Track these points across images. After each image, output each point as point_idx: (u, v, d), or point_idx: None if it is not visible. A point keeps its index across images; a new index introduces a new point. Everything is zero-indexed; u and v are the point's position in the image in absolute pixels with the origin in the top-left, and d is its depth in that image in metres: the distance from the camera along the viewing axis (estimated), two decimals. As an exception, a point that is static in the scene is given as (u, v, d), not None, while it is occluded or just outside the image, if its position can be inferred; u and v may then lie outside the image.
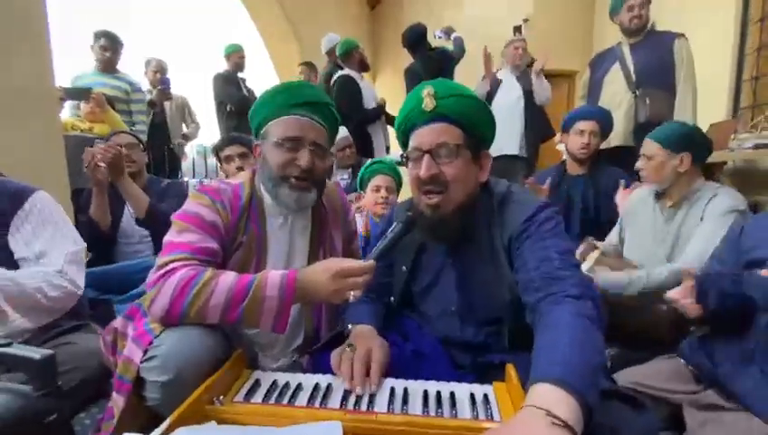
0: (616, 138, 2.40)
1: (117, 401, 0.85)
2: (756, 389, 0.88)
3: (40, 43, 2.01)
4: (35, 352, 0.62)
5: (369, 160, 2.16)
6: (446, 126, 0.92)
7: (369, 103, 3.25)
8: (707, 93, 2.32)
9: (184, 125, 3.98)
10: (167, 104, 3.63)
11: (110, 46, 2.80)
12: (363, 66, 3.34)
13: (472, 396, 0.77)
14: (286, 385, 0.81)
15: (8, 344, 0.64)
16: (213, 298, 0.84)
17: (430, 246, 1.06)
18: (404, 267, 1.08)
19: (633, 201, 1.73)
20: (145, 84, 3.50)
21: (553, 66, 4.56)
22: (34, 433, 0.58)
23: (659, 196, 1.59)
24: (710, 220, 1.39)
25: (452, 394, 0.77)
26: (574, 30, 4.87)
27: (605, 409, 0.65)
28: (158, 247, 1.90)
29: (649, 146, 1.53)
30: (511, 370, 0.80)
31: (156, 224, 1.82)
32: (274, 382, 0.82)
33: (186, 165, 4.32)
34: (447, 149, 0.91)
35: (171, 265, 0.88)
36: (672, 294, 1.05)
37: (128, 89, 2.89)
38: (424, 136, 0.93)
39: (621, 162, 2.19)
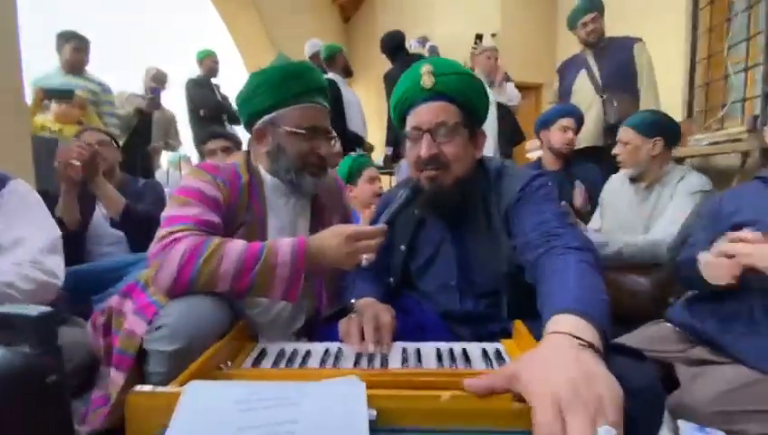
0: (586, 139, 2.53)
1: (115, 380, 0.80)
2: (742, 340, 0.93)
3: (10, 42, 1.93)
4: (32, 310, 0.58)
5: (355, 154, 2.17)
6: (445, 104, 0.93)
7: (353, 109, 3.27)
8: (664, 97, 2.50)
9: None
10: (155, 113, 3.59)
11: (82, 47, 2.73)
12: (347, 71, 3.37)
13: (484, 351, 0.77)
14: (294, 352, 0.78)
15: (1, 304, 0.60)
16: (223, 264, 0.81)
17: (428, 224, 1.07)
18: (402, 246, 1.09)
19: (610, 187, 1.84)
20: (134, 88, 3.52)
21: (520, 79, 4.79)
22: (37, 392, 0.54)
23: (634, 179, 1.71)
24: (679, 198, 1.51)
25: (464, 350, 0.77)
26: (539, 44, 5.13)
27: (607, 360, 0.66)
28: (133, 249, 1.85)
29: (625, 132, 1.66)
30: (519, 325, 0.81)
31: (132, 225, 1.76)
32: (282, 351, 0.79)
33: (159, 174, 4.20)
34: (446, 128, 0.92)
35: (174, 235, 0.84)
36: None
37: (97, 90, 2.80)
38: (422, 115, 0.94)
39: (593, 161, 2.31)
